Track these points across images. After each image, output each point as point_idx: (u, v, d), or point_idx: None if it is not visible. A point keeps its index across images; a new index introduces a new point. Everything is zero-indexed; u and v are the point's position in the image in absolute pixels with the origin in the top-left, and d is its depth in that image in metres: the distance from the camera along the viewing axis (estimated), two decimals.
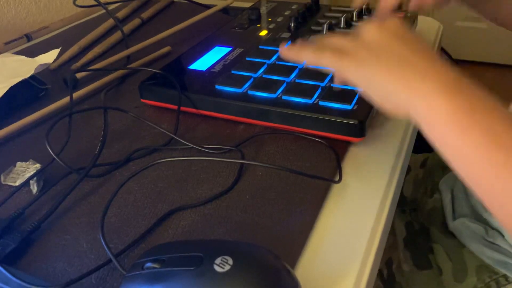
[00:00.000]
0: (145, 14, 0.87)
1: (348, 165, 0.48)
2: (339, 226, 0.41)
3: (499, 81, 1.98)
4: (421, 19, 0.77)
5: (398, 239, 0.66)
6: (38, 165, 0.48)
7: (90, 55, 0.73)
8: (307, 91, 0.52)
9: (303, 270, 0.37)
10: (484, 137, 0.32)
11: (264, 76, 0.56)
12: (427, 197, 0.69)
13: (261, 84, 0.54)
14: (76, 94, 0.60)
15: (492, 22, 0.62)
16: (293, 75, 0.56)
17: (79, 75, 0.64)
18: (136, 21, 0.84)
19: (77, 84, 0.63)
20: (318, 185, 0.44)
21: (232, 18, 0.78)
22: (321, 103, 0.50)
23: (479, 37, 2.03)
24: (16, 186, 0.46)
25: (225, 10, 0.87)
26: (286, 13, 0.76)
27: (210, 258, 0.31)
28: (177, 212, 0.42)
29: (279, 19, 0.74)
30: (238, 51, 0.64)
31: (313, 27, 0.70)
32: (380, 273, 0.65)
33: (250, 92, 0.53)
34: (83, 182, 0.46)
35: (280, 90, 0.53)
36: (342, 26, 0.69)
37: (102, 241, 0.37)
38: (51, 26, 0.87)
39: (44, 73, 0.64)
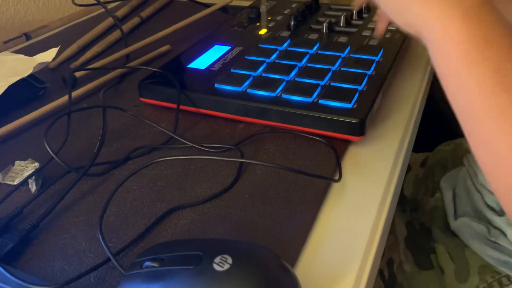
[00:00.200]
0: (144, 13, 0.87)
1: (348, 163, 0.48)
2: (339, 225, 0.41)
3: None
4: None
5: (398, 239, 0.66)
6: (36, 164, 0.47)
7: (89, 54, 0.72)
8: (307, 90, 0.52)
9: (302, 269, 0.37)
10: (491, 75, 0.30)
11: (264, 74, 0.56)
12: (428, 196, 0.69)
13: (260, 83, 0.54)
14: (75, 93, 0.60)
15: None
16: (292, 73, 0.56)
17: (78, 74, 0.64)
18: (135, 20, 0.84)
19: (76, 83, 0.63)
20: (318, 184, 0.44)
21: (231, 17, 0.77)
22: (320, 101, 0.50)
23: None
24: (14, 185, 0.46)
25: (225, 8, 0.87)
26: (285, 12, 0.76)
27: (209, 257, 0.30)
28: (176, 211, 0.42)
29: (278, 18, 0.74)
30: (238, 49, 0.64)
31: (313, 26, 0.70)
32: (381, 273, 0.65)
33: (249, 90, 0.53)
34: (81, 181, 0.46)
35: (279, 88, 0.53)
36: (342, 24, 0.69)
37: (101, 240, 0.37)
38: (50, 25, 0.87)
39: (43, 72, 0.64)
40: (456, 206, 0.62)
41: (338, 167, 0.46)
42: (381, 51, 0.59)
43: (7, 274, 0.36)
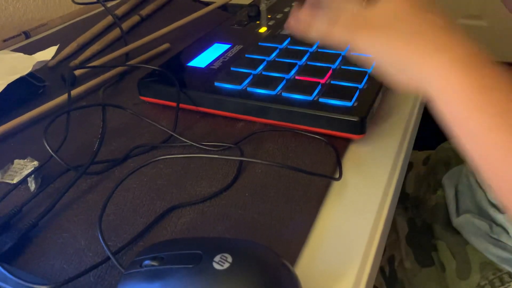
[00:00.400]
0: (144, 11, 0.87)
1: (348, 162, 0.47)
2: (339, 223, 0.40)
3: None
4: None
5: (400, 236, 0.66)
6: (36, 163, 0.47)
7: (88, 52, 0.72)
8: (307, 88, 0.51)
9: (303, 268, 0.36)
10: (498, 119, 0.30)
11: (264, 73, 0.56)
12: (430, 194, 0.69)
13: (260, 81, 0.54)
14: (74, 91, 0.60)
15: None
16: (292, 72, 0.56)
17: (77, 72, 0.64)
18: (135, 18, 0.84)
19: (75, 81, 0.63)
20: (318, 183, 0.44)
21: (231, 15, 0.77)
22: (321, 100, 0.50)
23: (480, 35, 2.03)
24: (13, 184, 0.46)
25: (224, 7, 0.87)
26: (285, 10, 0.76)
27: (209, 256, 0.30)
28: (176, 209, 0.42)
29: (278, 16, 0.74)
30: (238, 48, 0.63)
31: None
32: (382, 270, 0.65)
33: (249, 89, 0.53)
34: (81, 180, 0.46)
35: (279, 87, 0.53)
36: None
37: (100, 239, 0.37)
38: (50, 23, 0.87)
39: (42, 70, 0.64)
40: (458, 203, 0.61)
41: (338, 165, 0.46)
42: None
43: (6, 273, 0.36)
